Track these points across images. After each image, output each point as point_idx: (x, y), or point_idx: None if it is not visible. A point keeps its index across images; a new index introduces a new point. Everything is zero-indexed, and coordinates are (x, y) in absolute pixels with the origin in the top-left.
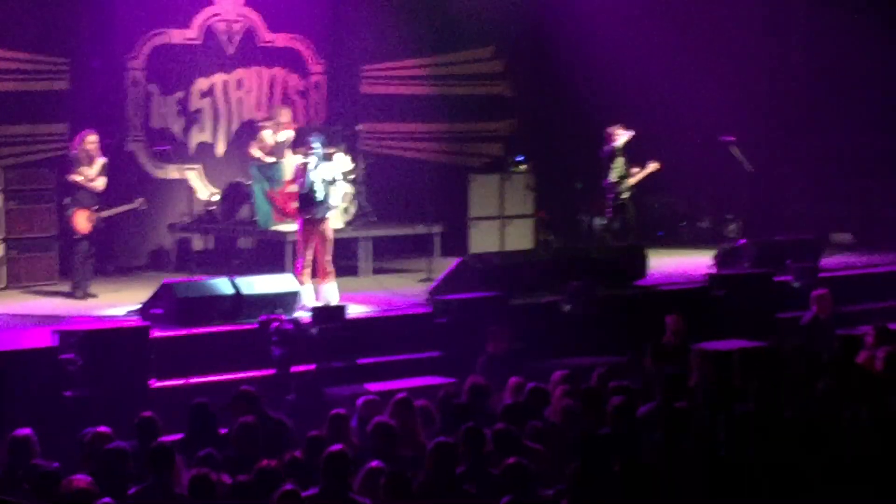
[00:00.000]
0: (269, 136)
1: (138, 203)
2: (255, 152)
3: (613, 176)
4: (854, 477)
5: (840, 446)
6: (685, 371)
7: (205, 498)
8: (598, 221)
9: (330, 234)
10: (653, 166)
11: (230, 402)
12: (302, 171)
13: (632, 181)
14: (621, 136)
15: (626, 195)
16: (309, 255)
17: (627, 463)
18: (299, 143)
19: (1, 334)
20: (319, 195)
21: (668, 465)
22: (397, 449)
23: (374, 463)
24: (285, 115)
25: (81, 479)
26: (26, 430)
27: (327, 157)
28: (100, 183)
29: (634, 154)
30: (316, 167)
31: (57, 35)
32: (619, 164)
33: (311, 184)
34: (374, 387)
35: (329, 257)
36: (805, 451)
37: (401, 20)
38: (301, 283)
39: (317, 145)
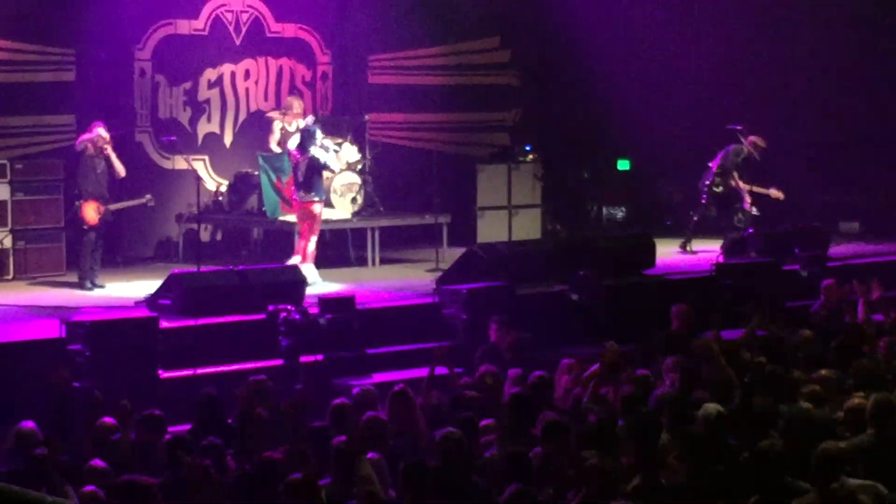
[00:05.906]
0: (278, 127)
1: (146, 199)
2: (275, 147)
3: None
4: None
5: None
6: (696, 360)
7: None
8: (607, 210)
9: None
10: (774, 194)
11: (242, 392)
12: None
13: (749, 188)
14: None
15: (719, 188)
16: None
17: (639, 453)
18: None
19: (9, 325)
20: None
21: (679, 455)
22: (388, 439)
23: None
24: (297, 104)
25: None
26: (30, 423)
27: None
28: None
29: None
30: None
31: (64, 26)
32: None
33: (324, 168)
34: (382, 377)
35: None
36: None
37: (407, 10)
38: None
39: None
